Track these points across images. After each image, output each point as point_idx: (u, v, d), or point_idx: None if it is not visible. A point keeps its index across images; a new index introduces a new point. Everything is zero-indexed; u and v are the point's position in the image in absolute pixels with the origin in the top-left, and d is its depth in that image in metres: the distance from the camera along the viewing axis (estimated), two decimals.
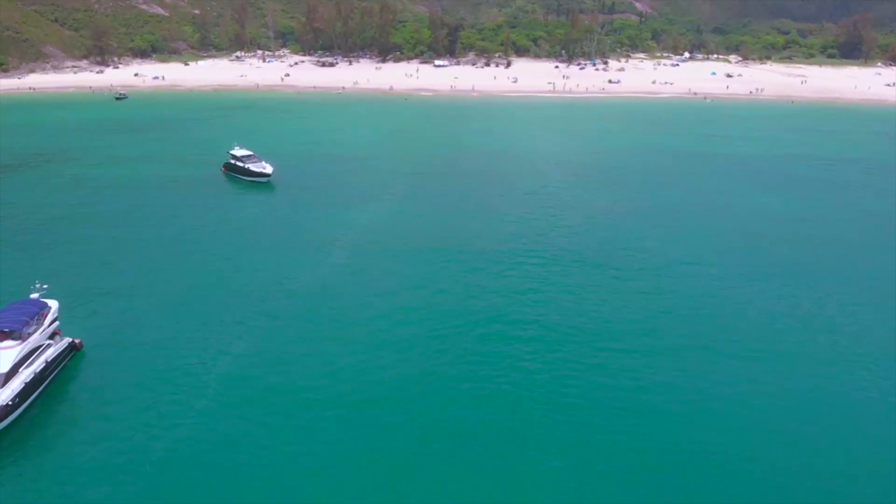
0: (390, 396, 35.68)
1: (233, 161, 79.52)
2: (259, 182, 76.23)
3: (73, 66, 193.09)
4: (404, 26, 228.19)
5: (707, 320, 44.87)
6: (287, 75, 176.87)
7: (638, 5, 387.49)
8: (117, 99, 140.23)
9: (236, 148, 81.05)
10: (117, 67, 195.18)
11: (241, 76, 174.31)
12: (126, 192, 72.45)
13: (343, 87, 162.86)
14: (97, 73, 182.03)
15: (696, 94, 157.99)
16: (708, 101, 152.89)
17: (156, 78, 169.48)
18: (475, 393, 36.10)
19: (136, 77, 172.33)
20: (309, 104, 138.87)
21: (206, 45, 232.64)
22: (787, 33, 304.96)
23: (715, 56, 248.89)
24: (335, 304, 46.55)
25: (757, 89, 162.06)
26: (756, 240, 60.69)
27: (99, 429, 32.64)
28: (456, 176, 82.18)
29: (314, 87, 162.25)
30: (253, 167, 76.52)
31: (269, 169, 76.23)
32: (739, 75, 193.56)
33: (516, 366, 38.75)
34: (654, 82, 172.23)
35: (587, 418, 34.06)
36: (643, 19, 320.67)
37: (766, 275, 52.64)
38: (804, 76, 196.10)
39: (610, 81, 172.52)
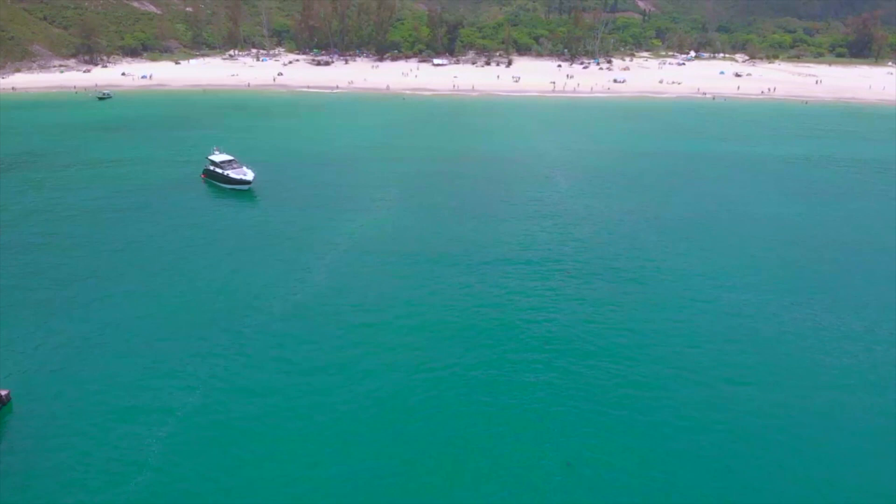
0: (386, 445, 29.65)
1: (211, 167, 73.35)
2: (240, 190, 70.01)
3: (61, 66, 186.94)
4: (402, 24, 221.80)
5: (738, 348, 38.84)
6: (280, 74, 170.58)
7: (641, 3, 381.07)
8: (100, 99, 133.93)
9: (215, 153, 74.85)
10: (106, 66, 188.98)
11: (233, 75, 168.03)
12: (88, 204, 66.13)
13: (336, 86, 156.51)
14: (84, 72, 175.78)
15: (705, 93, 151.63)
16: (718, 101, 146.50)
17: (143, 77, 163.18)
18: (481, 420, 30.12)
19: (123, 76, 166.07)
20: (300, 104, 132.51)
21: (199, 44, 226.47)
22: (792, 31, 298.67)
23: (721, 55, 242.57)
24: (310, 333, 40.43)
25: (769, 89, 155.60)
26: (790, 253, 54.61)
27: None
28: (455, 181, 75.97)
29: (308, 87, 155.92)
30: (233, 174, 70.29)
31: (249, 176, 70.00)
32: (748, 75, 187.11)
33: (527, 400, 32.81)
34: (660, 82, 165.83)
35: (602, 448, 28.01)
36: (646, 17, 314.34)
37: (804, 297, 46.56)
38: (815, 75, 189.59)
39: (615, 81, 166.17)
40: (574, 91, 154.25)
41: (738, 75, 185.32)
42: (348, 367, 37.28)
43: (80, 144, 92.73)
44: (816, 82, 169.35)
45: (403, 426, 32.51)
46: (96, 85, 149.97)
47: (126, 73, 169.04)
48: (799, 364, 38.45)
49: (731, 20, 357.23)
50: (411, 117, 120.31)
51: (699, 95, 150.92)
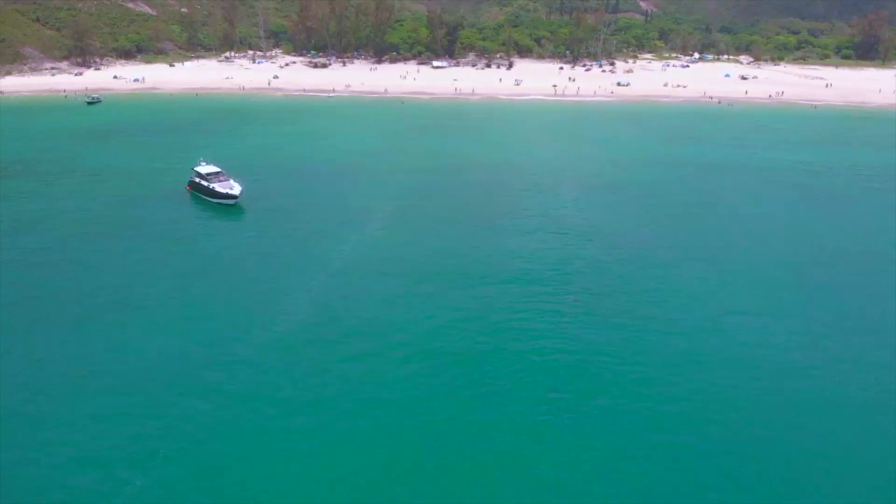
0: None
1: (197, 179, 69.33)
2: (226, 204, 65.98)
3: (53, 68, 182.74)
4: (401, 25, 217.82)
5: (773, 397, 34.82)
6: (275, 77, 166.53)
7: (643, 4, 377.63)
8: (89, 104, 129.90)
9: (202, 164, 70.83)
10: (98, 69, 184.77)
11: (227, 78, 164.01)
12: (62, 220, 62.10)
13: (333, 90, 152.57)
14: (76, 75, 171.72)
15: (711, 97, 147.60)
16: (725, 105, 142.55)
17: (136, 80, 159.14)
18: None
19: (115, 79, 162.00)
20: (294, 109, 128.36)
21: (195, 45, 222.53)
22: (796, 32, 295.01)
23: (725, 56, 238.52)
24: (296, 367, 36.53)
25: (777, 92, 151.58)
26: (821, 275, 50.57)
27: None
28: (455, 195, 71.93)
29: (303, 91, 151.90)
30: (219, 188, 66.27)
31: (236, 190, 65.97)
32: (754, 77, 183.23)
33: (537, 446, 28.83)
34: (665, 85, 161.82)
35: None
36: (648, 18, 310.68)
37: (833, 324, 42.62)
38: (823, 78, 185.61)
39: (619, 84, 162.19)
40: (577, 94, 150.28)
41: (743, 78, 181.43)
42: (336, 404, 33.52)
43: (62, 153, 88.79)
44: (826, 86, 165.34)
45: (398, 475, 28.72)
46: (86, 88, 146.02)
47: (118, 76, 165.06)
48: (824, 398, 34.66)
49: (734, 21, 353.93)
50: (409, 123, 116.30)
51: (706, 99, 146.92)
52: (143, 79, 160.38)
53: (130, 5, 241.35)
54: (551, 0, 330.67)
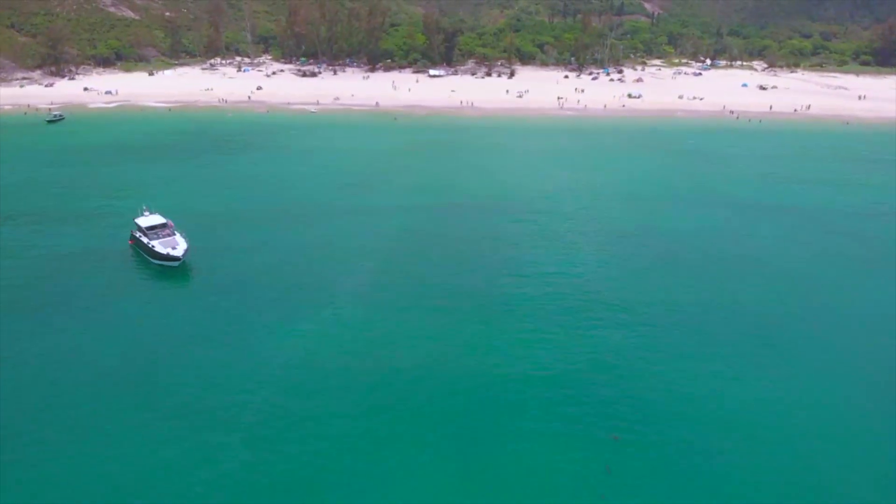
0: None
1: (138, 234, 57.37)
2: (169, 267, 54.00)
3: (24, 78, 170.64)
4: (396, 31, 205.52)
5: None
6: (259, 88, 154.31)
7: (647, 6, 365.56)
8: (50, 122, 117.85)
9: (144, 214, 58.75)
10: (73, 79, 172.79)
11: (207, 90, 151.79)
12: None
13: (317, 101, 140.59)
14: (46, 86, 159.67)
15: (732, 112, 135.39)
16: (745, 120, 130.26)
17: (107, 93, 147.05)
18: None
19: (85, 92, 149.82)
20: (273, 129, 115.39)
21: (178, 52, 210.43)
22: (808, 36, 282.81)
23: (738, 63, 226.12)
24: None
25: (803, 106, 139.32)
26: None
27: None
28: (448, 248, 59.79)
29: (288, 104, 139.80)
30: (159, 247, 54.21)
31: (179, 249, 53.89)
32: (774, 87, 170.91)
33: None
34: (680, 97, 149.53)
35: None
36: (655, 20, 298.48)
37: None
38: (846, 88, 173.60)
39: (630, 96, 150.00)
40: (585, 109, 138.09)
41: (762, 88, 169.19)
42: None
43: None
44: (860, 97, 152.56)
45: None
46: (51, 103, 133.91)
47: (89, 87, 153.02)
48: None
49: (742, 23, 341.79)
50: (400, 145, 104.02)
51: (726, 114, 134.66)
52: (116, 91, 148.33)
53: (112, 10, 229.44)
54: (554, 2, 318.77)
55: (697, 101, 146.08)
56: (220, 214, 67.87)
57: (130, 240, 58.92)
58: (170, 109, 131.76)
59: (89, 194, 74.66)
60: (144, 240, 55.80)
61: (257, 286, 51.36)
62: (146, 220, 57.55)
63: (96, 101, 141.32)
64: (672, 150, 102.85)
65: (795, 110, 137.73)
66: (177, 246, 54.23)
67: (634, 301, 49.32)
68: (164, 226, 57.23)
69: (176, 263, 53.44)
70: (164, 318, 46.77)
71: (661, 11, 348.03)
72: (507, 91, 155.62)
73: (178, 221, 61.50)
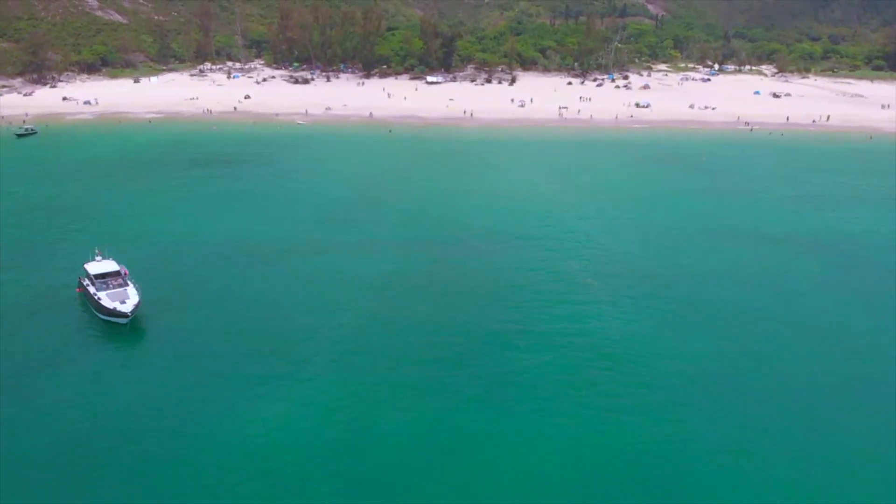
0: None
1: (85, 282, 49.78)
2: (116, 323, 46.37)
3: (3, 87, 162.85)
4: (393, 35, 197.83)
5: None
6: (247, 98, 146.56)
7: (650, 7, 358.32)
8: (20, 136, 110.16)
9: (96, 258, 51.07)
10: (55, 87, 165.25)
11: (192, 99, 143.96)
12: None
13: (306, 111, 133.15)
14: (25, 95, 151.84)
15: (747, 123, 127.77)
16: (759, 131, 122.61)
17: (86, 103, 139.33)
18: None
19: (64, 102, 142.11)
20: (256, 146, 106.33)
21: (166, 57, 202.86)
22: (817, 39, 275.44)
23: (747, 67, 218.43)
24: None
25: (821, 117, 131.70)
26: None
27: None
28: (442, 298, 52.08)
29: (276, 114, 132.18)
30: (106, 300, 46.51)
31: (129, 304, 46.14)
32: (787, 95, 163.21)
33: None
34: (691, 107, 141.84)
35: None
36: (659, 23, 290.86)
37: None
38: (863, 95, 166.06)
39: (638, 105, 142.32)
40: (591, 120, 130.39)
41: (776, 96, 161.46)
42: None
43: None
44: (882, 107, 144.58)
45: None
46: (26, 114, 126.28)
47: (68, 97, 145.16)
48: None
49: (747, 25, 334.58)
50: (392, 165, 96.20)
51: (741, 126, 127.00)
52: (96, 101, 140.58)
53: (99, 13, 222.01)
54: (555, 4, 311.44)
55: (709, 110, 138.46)
56: (184, 250, 60.18)
57: (78, 287, 51.29)
58: (150, 121, 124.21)
59: (43, 225, 66.94)
60: (92, 290, 48.15)
61: (217, 351, 43.67)
62: (96, 267, 49.91)
63: (74, 111, 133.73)
64: (687, 169, 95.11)
65: (814, 121, 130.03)
66: (126, 300, 46.53)
67: (660, 371, 41.68)
68: (115, 274, 49.62)
69: (124, 321, 45.77)
70: (103, 396, 39.13)
71: (663, 13, 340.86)
72: (513, 100, 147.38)
73: (136, 258, 54.31)
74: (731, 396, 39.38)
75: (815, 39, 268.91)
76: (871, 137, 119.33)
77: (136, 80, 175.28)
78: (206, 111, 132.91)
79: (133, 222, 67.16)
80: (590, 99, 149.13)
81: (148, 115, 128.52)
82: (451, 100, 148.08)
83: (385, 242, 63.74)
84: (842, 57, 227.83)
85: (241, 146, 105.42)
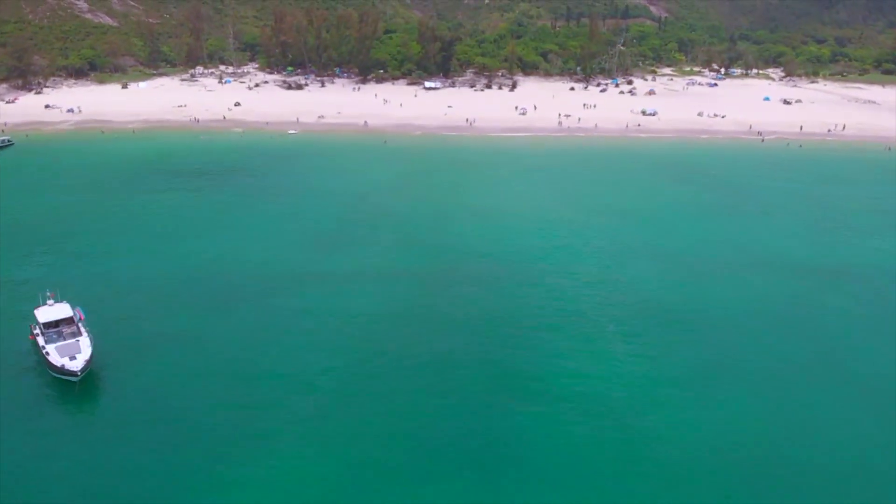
0: None
1: (36, 332, 44.08)
2: (66, 381, 40.67)
3: None
4: (390, 39, 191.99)
5: None
6: (237, 105, 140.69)
7: (652, 8, 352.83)
8: None
9: (48, 302, 45.37)
10: (40, 93, 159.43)
11: (180, 107, 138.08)
12: None
13: (297, 120, 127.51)
14: (8, 102, 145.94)
15: (759, 133, 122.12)
16: (783, 144, 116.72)
17: (70, 111, 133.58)
18: None
19: (46, 109, 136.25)
20: (242, 159, 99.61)
21: (157, 61, 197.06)
22: (823, 41, 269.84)
23: (754, 71, 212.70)
24: None
25: (836, 126, 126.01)
26: None
27: None
28: (438, 342, 46.48)
29: (266, 123, 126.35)
30: (55, 355, 40.81)
31: (79, 361, 40.36)
32: (798, 101, 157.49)
33: None
34: (700, 114, 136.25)
35: None
36: (662, 25, 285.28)
37: None
38: (875, 102, 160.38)
39: (644, 112, 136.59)
40: (596, 129, 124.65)
41: (786, 102, 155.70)
42: None
43: None
44: None
45: None
46: (5, 123, 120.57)
47: (51, 105, 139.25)
48: None
49: (751, 26, 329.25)
50: (386, 180, 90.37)
51: (753, 136, 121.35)
52: (79, 109, 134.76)
53: (89, 16, 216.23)
54: (556, 6, 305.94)
55: (719, 118, 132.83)
56: (152, 284, 54.39)
57: (31, 334, 45.54)
58: (134, 131, 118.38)
59: (8, 258, 61.10)
60: (41, 341, 42.54)
61: (181, 410, 38.12)
62: (47, 313, 44.20)
63: (56, 120, 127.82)
64: (700, 185, 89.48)
65: (829, 130, 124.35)
66: (77, 354, 40.80)
67: (687, 448, 36.06)
68: (68, 321, 43.92)
69: (74, 379, 40.07)
70: (48, 468, 33.48)
71: (666, 14, 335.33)
72: (516, 107, 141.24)
73: (96, 296, 48.97)
74: (767, 480, 33.73)
75: (820, 41, 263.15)
76: (889, 149, 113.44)
77: (125, 86, 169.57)
78: (193, 120, 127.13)
79: (98, 251, 61.38)
80: (594, 106, 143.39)
81: (132, 125, 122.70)
82: (449, 107, 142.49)
83: (376, 273, 58.07)
84: (850, 60, 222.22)
85: (225, 160, 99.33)
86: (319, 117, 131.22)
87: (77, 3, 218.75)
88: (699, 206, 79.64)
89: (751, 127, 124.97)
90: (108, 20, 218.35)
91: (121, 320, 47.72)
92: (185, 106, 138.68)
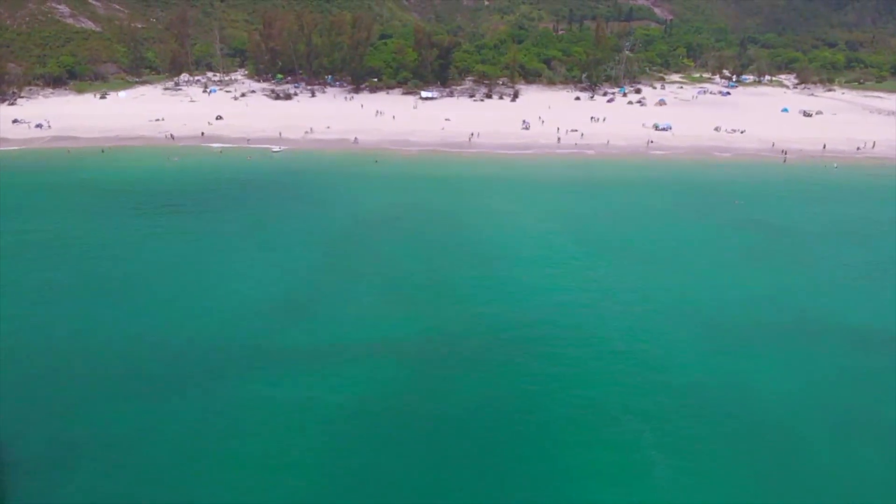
0: None
1: None
2: None
3: None
4: (385, 45, 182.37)
5: None
6: (219, 118, 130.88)
7: (657, 11, 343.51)
8: None
9: None
10: (14, 103, 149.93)
11: (157, 121, 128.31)
12: None
13: (280, 135, 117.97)
14: None
15: (783, 151, 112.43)
16: (802, 165, 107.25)
17: (38, 126, 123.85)
18: None
19: (14, 124, 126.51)
20: (213, 186, 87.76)
21: (141, 68, 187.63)
22: (834, 44, 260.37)
23: (767, 78, 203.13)
24: None
25: (866, 144, 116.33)
26: None
27: None
28: (430, 457, 36.83)
29: (248, 140, 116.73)
30: None
31: None
32: (819, 113, 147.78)
33: None
34: (717, 129, 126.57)
35: None
36: (668, 27, 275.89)
37: None
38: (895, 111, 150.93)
39: (657, 127, 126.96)
40: (608, 146, 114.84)
41: (806, 114, 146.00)
42: None
43: None
44: None
45: None
46: None
47: (19, 119, 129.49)
48: None
49: (759, 29, 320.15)
50: (375, 210, 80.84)
51: (776, 155, 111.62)
52: (48, 124, 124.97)
53: (70, 21, 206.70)
54: (558, 8, 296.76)
55: (738, 134, 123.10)
56: (74, 367, 44.40)
57: None
58: (103, 151, 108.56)
59: None
60: None
61: None
62: None
63: (22, 137, 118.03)
64: (726, 218, 79.62)
65: (858, 149, 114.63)
66: None
67: None
68: None
69: None
70: None
71: (670, 16, 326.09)
72: (524, 122, 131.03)
73: (4, 385, 39.01)
74: None
75: (831, 45, 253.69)
76: None
77: (103, 96, 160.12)
78: (168, 137, 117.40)
79: (15, 320, 51.34)
80: (603, 119, 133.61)
81: (103, 141, 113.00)
82: (447, 120, 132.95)
83: (357, 347, 48.32)
84: (865, 66, 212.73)
85: (194, 189, 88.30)
86: (306, 133, 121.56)
87: (58, 7, 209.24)
88: (728, 248, 69.71)
89: (773, 145, 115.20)
90: (90, 25, 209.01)
91: (32, 420, 38.22)
92: (163, 120, 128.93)
